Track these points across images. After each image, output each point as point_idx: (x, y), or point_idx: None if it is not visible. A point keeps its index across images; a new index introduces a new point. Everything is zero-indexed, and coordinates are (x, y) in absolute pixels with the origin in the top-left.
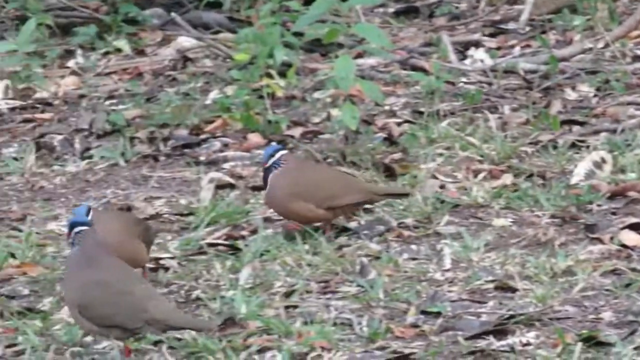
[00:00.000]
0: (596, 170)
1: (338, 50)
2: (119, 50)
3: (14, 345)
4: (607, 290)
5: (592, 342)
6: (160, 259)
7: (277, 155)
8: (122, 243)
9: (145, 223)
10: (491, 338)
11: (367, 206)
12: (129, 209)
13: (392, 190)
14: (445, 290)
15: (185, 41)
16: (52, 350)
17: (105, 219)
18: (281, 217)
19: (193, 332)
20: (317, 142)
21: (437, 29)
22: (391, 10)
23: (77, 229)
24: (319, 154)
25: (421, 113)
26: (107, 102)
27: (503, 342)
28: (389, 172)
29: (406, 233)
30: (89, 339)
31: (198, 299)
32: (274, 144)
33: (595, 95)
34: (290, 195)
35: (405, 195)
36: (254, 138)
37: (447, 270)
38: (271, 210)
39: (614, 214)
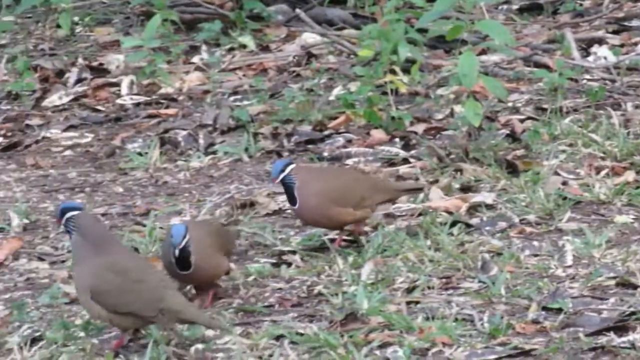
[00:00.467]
0: None
1: (461, 47)
2: (243, 46)
3: (138, 339)
4: None
5: None
6: (283, 254)
7: (287, 169)
8: (205, 256)
9: (229, 232)
10: (612, 334)
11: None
12: (252, 204)
13: (409, 186)
14: (566, 287)
15: (309, 37)
16: (172, 344)
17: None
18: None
19: (314, 327)
20: (440, 139)
21: (561, 26)
22: (515, 7)
23: (68, 215)
24: (441, 150)
25: (544, 110)
26: (232, 98)
27: (624, 339)
28: (512, 169)
29: (528, 229)
30: (210, 333)
31: (320, 294)
32: (282, 158)
33: None
34: (328, 202)
35: (420, 190)
36: (378, 134)
37: (569, 267)
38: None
39: None
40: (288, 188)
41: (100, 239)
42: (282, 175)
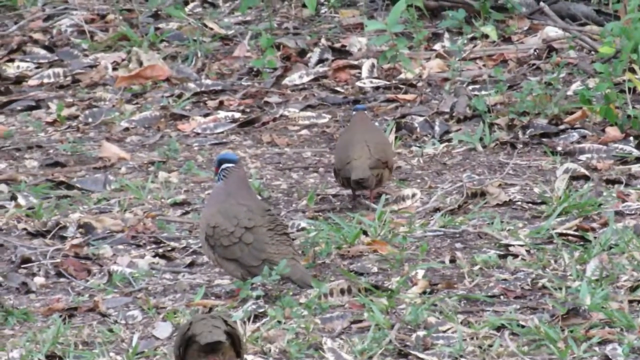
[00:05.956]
0: None
1: None
2: (485, 36)
3: (359, 321)
4: None
5: None
6: (510, 245)
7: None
8: None
9: None
10: None
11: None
12: (482, 194)
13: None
14: None
15: (551, 31)
16: (395, 329)
17: None
18: None
19: (536, 320)
20: None
21: None
22: None
23: (224, 165)
24: None
25: None
26: (470, 87)
27: None
28: None
29: None
30: (432, 320)
31: (544, 287)
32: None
33: None
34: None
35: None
36: (612, 132)
37: None
38: None
39: None
40: None
41: (236, 189)
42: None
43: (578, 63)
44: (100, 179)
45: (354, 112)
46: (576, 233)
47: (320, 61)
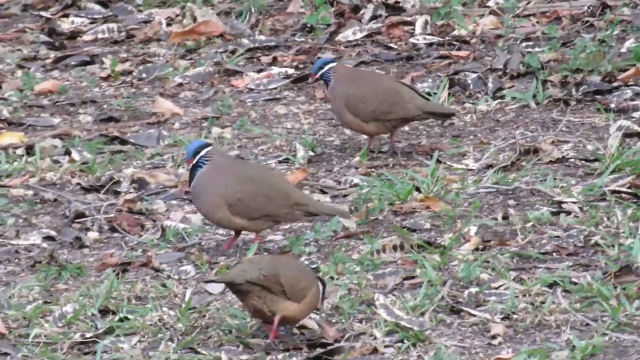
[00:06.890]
0: None
1: None
2: None
3: (412, 277)
4: None
5: None
6: (563, 203)
7: (326, 67)
8: None
9: None
10: None
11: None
12: (535, 151)
13: (436, 109)
14: None
15: None
16: (447, 286)
17: None
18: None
19: (588, 277)
20: None
21: None
22: None
23: (204, 151)
24: None
25: None
26: (524, 44)
27: None
28: None
29: None
30: (485, 277)
31: (596, 244)
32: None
33: None
34: (344, 107)
35: (450, 115)
36: None
37: None
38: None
39: None
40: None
41: (227, 162)
42: (320, 72)
43: (632, 20)
44: (154, 134)
45: (331, 64)
46: (629, 190)
47: (374, 17)
